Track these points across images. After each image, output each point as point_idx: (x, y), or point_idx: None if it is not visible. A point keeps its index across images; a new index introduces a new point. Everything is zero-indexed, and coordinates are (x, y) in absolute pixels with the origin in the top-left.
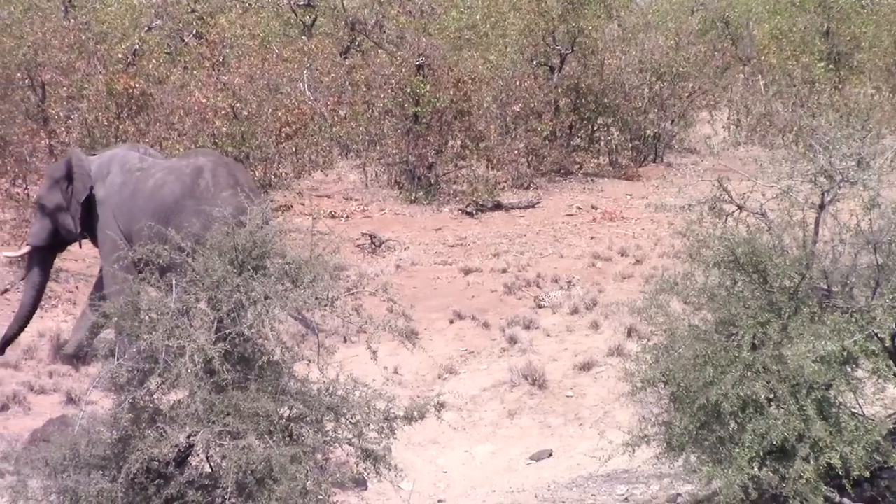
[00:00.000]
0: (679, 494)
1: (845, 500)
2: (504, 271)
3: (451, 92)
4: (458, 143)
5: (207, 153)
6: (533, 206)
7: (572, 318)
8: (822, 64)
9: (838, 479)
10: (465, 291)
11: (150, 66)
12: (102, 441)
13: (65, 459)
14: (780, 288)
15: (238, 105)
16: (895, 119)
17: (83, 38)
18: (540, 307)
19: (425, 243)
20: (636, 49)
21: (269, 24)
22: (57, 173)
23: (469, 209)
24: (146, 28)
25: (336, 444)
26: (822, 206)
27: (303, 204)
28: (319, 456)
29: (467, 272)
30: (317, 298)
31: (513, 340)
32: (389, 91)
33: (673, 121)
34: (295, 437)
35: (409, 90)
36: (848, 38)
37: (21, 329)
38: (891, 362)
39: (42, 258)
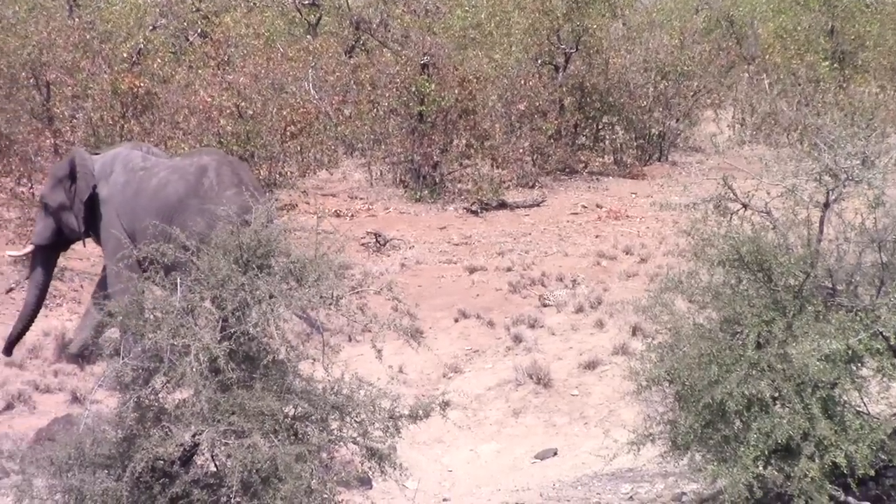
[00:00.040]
0: (684, 493)
1: (850, 498)
2: (509, 270)
3: (456, 91)
4: (463, 141)
5: (211, 152)
6: (538, 205)
7: (577, 316)
8: (827, 63)
9: (843, 477)
10: (470, 290)
11: (155, 66)
12: (107, 440)
13: (70, 458)
14: (784, 286)
15: (243, 104)
16: None
17: (88, 37)
18: (545, 306)
19: (430, 242)
20: (641, 48)
21: (273, 23)
22: (60, 172)
23: (474, 208)
24: (151, 27)
25: (341, 443)
26: (826, 205)
27: (308, 203)
28: (324, 455)
29: (472, 271)
30: (321, 297)
31: (518, 339)
32: (394, 90)
33: (678, 119)
34: (300, 436)
35: (413, 89)
36: (852, 37)
37: (26, 328)
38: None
39: (45, 257)
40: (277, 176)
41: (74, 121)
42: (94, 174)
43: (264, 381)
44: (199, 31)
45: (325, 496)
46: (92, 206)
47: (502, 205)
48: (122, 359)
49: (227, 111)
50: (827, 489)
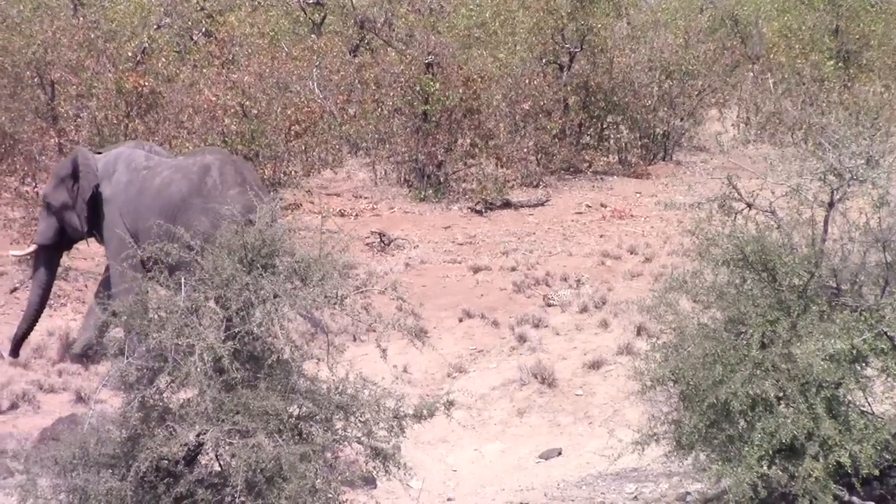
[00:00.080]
0: (688, 493)
1: (854, 498)
2: (513, 269)
3: (461, 90)
4: (468, 141)
5: (214, 151)
6: (542, 205)
7: (581, 316)
8: (832, 62)
9: (847, 477)
10: (475, 290)
11: (160, 65)
12: (112, 440)
13: (74, 458)
14: (789, 286)
15: (247, 103)
16: None
17: (92, 36)
18: (549, 305)
19: (434, 241)
20: (645, 47)
21: (278, 22)
22: (63, 172)
23: (478, 207)
24: (155, 26)
25: (345, 443)
26: (831, 205)
27: (312, 202)
28: (329, 454)
29: (476, 270)
30: (326, 297)
31: (522, 339)
32: (399, 89)
33: (682, 119)
34: (304, 436)
35: (418, 88)
36: (857, 37)
37: (30, 328)
38: None
39: (48, 257)
40: (282, 175)
41: (79, 120)
42: (97, 173)
43: (269, 381)
44: (203, 30)
45: (330, 496)
46: (95, 206)
47: (506, 204)
48: (127, 358)
49: (232, 110)
50: (831, 489)
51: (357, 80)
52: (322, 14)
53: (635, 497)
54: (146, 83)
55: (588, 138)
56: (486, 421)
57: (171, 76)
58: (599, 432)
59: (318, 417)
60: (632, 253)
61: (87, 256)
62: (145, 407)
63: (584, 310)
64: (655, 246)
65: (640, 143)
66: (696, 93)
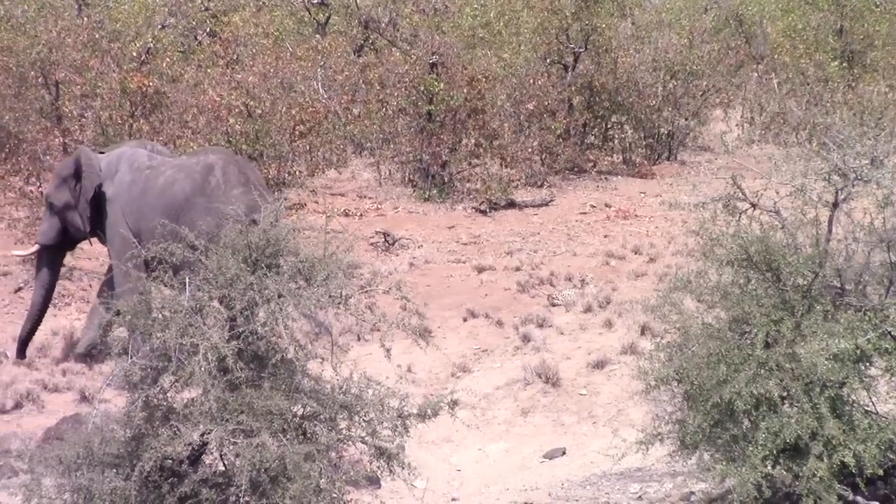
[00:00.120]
0: (693, 492)
1: (859, 498)
2: (517, 269)
3: (465, 90)
4: (472, 141)
5: (218, 151)
6: (546, 205)
7: (586, 316)
8: (836, 62)
9: (852, 477)
10: (479, 289)
11: (164, 65)
12: (116, 439)
13: (78, 458)
14: (793, 286)
15: (252, 103)
16: None
17: (97, 36)
18: (553, 305)
19: (439, 241)
20: (650, 47)
21: (282, 22)
22: (65, 171)
23: (482, 207)
24: (160, 26)
25: (350, 443)
26: (835, 205)
27: (316, 202)
28: (333, 454)
29: (481, 270)
30: (330, 296)
31: (526, 339)
32: (403, 89)
33: (687, 119)
34: (308, 436)
35: (422, 88)
36: (861, 37)
37: (34, 328)
38: None
39: (51, 257)
40: (286, 175)
41: (83, 120)
42: (100, 173)
43: (273, 381)
44: (207, 30)
45: (334, 495)
46: (97, 205)
47: (511, 204)
48: (131, 358)
49: (236, 110)
50: (835, 489)
51: (361, 80)
52: (326, 14)
53: (639, 497)
54: (150, 83)
55: (592, 138)
56: (491, 420)
57: (175, 76)
58: (603, 432)
59: (322, 417)
60: (636, 253)
61: (91, 256)
62: (149, 406)
63: (588, 309)
64: (660, 246)
65: (644, 143)
66: (701, 93)
